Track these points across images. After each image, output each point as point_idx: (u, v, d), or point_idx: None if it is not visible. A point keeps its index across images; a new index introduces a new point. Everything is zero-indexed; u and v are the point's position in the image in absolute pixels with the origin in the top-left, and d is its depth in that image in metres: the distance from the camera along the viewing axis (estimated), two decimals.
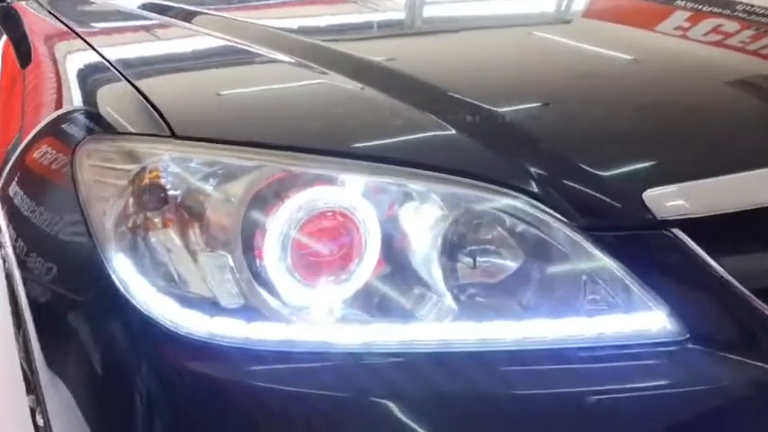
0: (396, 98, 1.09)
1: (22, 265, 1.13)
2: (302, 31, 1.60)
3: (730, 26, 1.53)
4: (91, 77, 1.35)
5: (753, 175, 0.94)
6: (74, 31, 1.63)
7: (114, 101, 1.19)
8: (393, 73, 1.23)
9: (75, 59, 1.48)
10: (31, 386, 1.34)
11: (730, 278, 0.89)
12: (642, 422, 0.85)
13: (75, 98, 1.31)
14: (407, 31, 1.70)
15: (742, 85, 1.23)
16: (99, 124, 1.15)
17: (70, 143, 1.11)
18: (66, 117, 1.22)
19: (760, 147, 1.02)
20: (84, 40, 1.51)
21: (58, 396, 1.05)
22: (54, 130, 1.21)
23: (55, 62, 1.51)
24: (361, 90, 1.15)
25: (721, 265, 0.89)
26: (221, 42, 1.48)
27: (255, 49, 1.38)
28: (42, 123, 1.26)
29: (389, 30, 1.71)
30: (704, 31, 1.48)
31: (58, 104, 1.30)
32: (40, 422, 1.29)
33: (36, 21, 1.88)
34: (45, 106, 1.33)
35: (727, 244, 0.90)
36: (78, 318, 1.01)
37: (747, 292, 0.89)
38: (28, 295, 1.12)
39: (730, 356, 0.87)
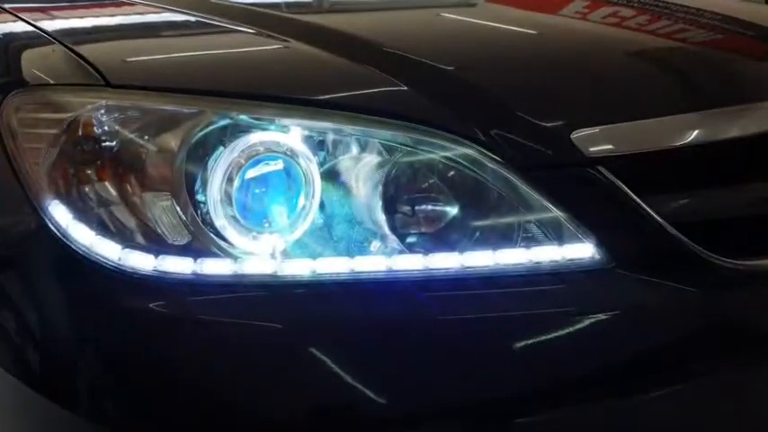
0: (334, 54, 1.12)
1: None
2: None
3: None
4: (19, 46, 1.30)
5: (666, 119, 1.04)
6: None
7: (42, 59, 1.16)
8: (330, 31, 1.25)
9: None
10: None
11: (650, 211, 0.97)
12: (575, 339, 0.92)
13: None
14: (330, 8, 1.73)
15: (656, 48, 1.35)
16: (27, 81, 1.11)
17: None
18: None
19: (672, 96, 1.13)
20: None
21: None
22: None
23: None
24: (299, 47, 1.17)
25: (642, 200, 0.97)
26: (151, 10, 1.46)
27: (192, 15, 1.38)
28: None
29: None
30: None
31: None
32: None
33: None
34: None
35: (648, 181, 0.98)
36: (12, 277, 0.98)
37: (665, 224, 0.97)
38: None
39: (651, 279, 0.95)
